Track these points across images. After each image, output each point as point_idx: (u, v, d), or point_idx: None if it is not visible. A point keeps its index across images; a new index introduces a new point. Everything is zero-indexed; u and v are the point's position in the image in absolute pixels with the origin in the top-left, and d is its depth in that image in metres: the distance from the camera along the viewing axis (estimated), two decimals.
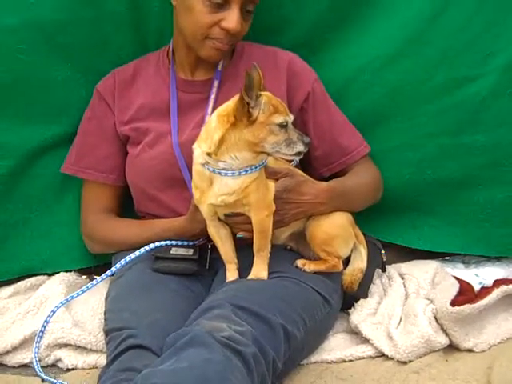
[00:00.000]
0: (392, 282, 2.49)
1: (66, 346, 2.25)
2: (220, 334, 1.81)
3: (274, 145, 2.03)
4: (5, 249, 2.61)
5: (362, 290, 2.37)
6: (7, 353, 2.25)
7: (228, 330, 1.83)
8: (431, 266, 2.54)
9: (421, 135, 2.57)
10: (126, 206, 2.60)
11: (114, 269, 2.33)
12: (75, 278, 2.58)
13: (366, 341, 2.24)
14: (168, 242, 2.33)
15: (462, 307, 2.21)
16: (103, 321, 2.23)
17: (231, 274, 2.22)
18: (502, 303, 2.32)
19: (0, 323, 2.34)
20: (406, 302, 2.36)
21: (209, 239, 2.29)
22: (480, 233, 2.65)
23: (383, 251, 2.48)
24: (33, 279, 2.58)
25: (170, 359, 1.77)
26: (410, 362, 2.15)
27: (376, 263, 2.46)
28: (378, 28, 2.52)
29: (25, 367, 2.24)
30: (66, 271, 2.60)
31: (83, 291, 2.34)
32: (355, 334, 2.30)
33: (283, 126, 2.03)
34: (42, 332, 2.25)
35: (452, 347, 2.22)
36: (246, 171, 2.07)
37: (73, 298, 2.34)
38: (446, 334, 2.22)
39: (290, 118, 2.06)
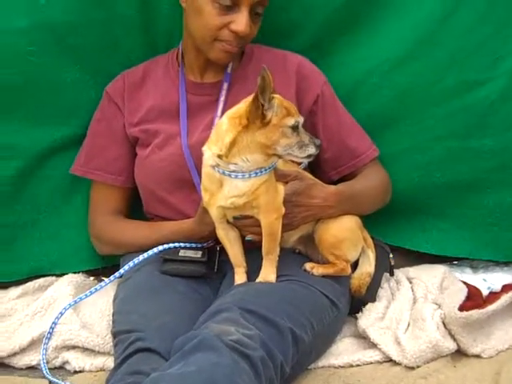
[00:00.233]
0: (400, 286, 2.48)
1: (73, 348, 2.25)
2: (228, 337, 1.81)
3: (286, 147, 2.03)
4: (13, 250, 2.62)
5: (369, 294, 2.36)
6: (15, 354, 2.24)
7: (236, 334, 1.83)
8: (439, 270, 2.53)
9: (429, 138, 2.56)
10: (134, 208, 2.60)
11: (122, 271, 2.33)
12: (83, 279, 2.57)
13: (373, 345, 2.23)
14: (176, 244, 2.33)
15: (470, 312, 2.20)
16: (111, 323, 2.23)
17: (239, 277, 2.22)
18: (511, 309, 2.32)
19: (8, 325, 2.34)
20: (414, 307, 2.35)
21: (217, 242, 2.29)
22: (488, 237, 2.64)
23: (391, 255, 2.48)
24: (41, 280, 2.58)
25: (178, 363, 1.77)
26: (418, 367, 2.14)
27: (384, 267, 2.46)
28: (387, 30, 2.51)
29: (32, 369, 2.24)
30: (74, 272, 2.61)
31: (91, 293, 2.34)
32: (363, 338, 2.29)
33: (295, 128, 2.03)
34: (50, 334, 2.24)
35: (460, 352, 2.21)
36: (257, 173, 2.07)
37: (81, 299, 2.34)
38: (454, 340, 2.21)
39: (301, 119, 2.07)
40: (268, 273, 2.15)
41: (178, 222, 2.39)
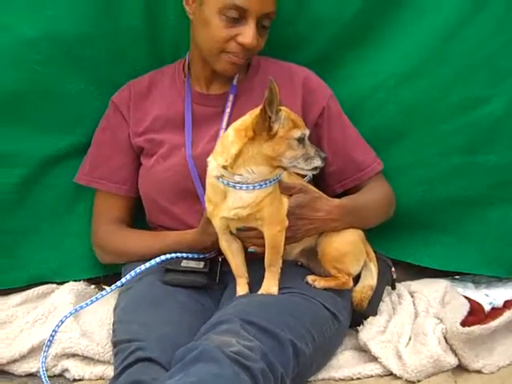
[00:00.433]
0: (402, 300, 2.47)
1: (73, 356, 2.24)
2: (229, 349, 1.80)
3: (291, 159, 2.04)
4: (15, 257, 2.62)
5: (371, 308, 2.35)
6: (14, 361, 2.24)
7: (237, 345, 1.82)
8: (441, 284, 2.52)
9: (434, 153, 2.57)
10: (137, 218, 2.60)
11: (124, 280, 2.33)
12: (84, 287, 2.57)
13: (374, 359, 2.22)
14: (179, 255, 2.32)
15: (472, 328, 2.19)
16: (111, 332, 2.22)
17: (241, 288, 2.22)
18: None
19: (8, 332, 2.34)
20: (416, 321, 2.34)
21: (220, 252, 2.29)
22: (492, 253, 2.64)
23: (393, 269, 2.47)
24: (42, 288, 2.58)
25: (179, 374, 1.77)
26: (419, 381, 2.13)
27: (386, 281, 2.45)
28: (394, 46, 2.52)
29: (31, 376, 2.23)
30: (75, 280, 2.60)
31: (92, 301, 2.33)
32: (364, 351, 2.28)
33: (301, 140, 2.04)
34: (50, 341, 2.24)
35: (461, 368, 2.20)
36: (261, 185, 2.07)
37: (82, 307, 2.33)
38: (456, 355, 2.19)
39: (307, 131, 2.07)
40: (270, 285, 2.14)
41: (181, 232, 2.39)
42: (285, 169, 2.08)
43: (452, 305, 2.39)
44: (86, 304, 2.33)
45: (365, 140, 2.51)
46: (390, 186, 2.54)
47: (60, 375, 2.25)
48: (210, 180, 2.13)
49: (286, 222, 2.14)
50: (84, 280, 2.63)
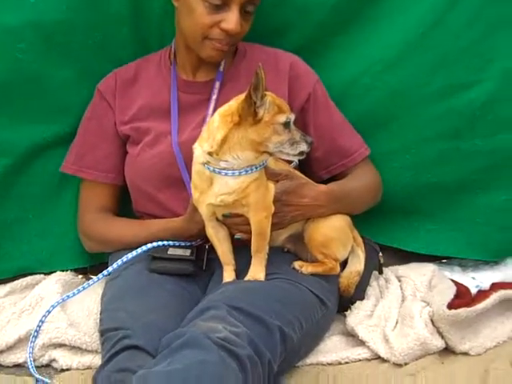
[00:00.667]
0: (389, 285, 2.47)
1: (60, 346, 2.24)
2: (216, 335, 1.80)
3: (277, 144, 2.04)
4: (2, 248, 2.61)
5: (358, 292, 2.36)
6: (1, 352, 2.23)
7: (224, 331, 1.82)
8: (428, 268, 2.53)
9: (420, 139, 2.57)
10: (123, 206, 2.59)
11: (110, 269, 2.32)
12: (71, 277, 2.57)
13: (362, 343, 2.23)
14: (165, 243, 2.32)
15: (458, 310, 2.20)
16: (98, 321, 2.21)
17: (228, 274, 2.22)
18: (499, 307, 2.31)
19: None
20: (403, 305, 2.34)
21: (206, 240, 2.29)
22: (478, 237, 2.65)
23: (380, 253, 2.48)
24: (28, 278, 2.57)
25: (165, 360, 1.77)
26: (406, 364, 2.14)
27: (373, 265, 2.46)
28: (379, 32, 2.52)
29: (19, 367, 2.23)
30: (62, 270, 2.59)
31: (79, 291, 2.32)
32: (351, 336, 2.28)
33: (287, 124, 2.03)
34: (37, 332, 2.23)
35: (448, 350, 2.21)
36: (247, 171, 2.07)
37: (69, 297, 2.33)
38: (442, 337, 2.21)
39: (293, 116, 2.07)
40: (257, 271, 2.14)
41: (167, 219, 2.38)
42: (270, 154, 2.08)
43: (439, 288, 2.39)
44: (73, 294, 2.33)
45: (351, 125, 2.51)
46: (377, 171, 2.55)
47: (48, 365, 2.24)
48: (195, 167, 2.13)
49: (272, 208, 2.14)
50: (71, 270, 2.63)
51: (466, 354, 2.20)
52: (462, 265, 2.70)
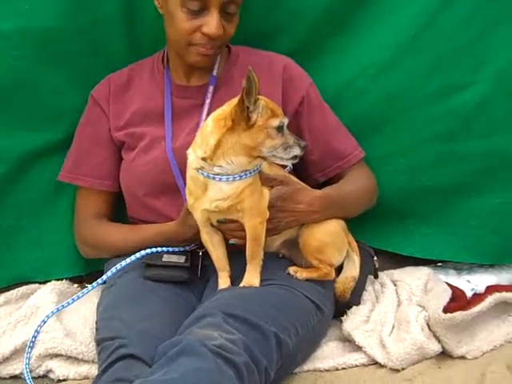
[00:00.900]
0: (384, 289, 2.48)
1: (57, 356, 2.23)
2: (211, 342, 1.80)
3: (271, 149, 2.03)
4: None
5: (354, 297, 2.36)
6: None
7: (219, 339, 1.82)
8: (423, 272, 2.53)
9: (414, 142, 2.57)
10: (118, 212, 2.59)
11: (104, 277, 2.32)
12: (66, 286, 2.56)
13: (358, 348, 2.23)
14: (159, 249, 2.31)
15: (454, 314, 2.20)
16: (94, 330, 2.21)
17: (223, 281, 2.22)
18: (494, 310, 2.31)
19: None
20: (399, 309, 2.35)
21: (201, 246, 2.28)
22: (472, 240, 2.65)
23: (375, 258, 2.48)
24: (23, 288, 2.56)
25: (162, 369, 1.77)
26: (403, 369, 2.14)
27: (368, 270, 2.45)
28: (373, 35, 2.52)
29: (16, 378, 2.22)
30: (58, 279, 2.59)
31: (74, 300, 2.32)
32: (348, 341, 2.28)
33: (280, 128, 2.03)
34: (33, 342, 2.22)
35: (445, 354, 2.21)
36: (241, 176, 2.07)
37: (64, 307, 2.32)
38: (439, 341, 2.21)
39: (286, 120, 2.07)
40: (252, 277, 2.14)
41: (160, 224, 2.38)
42: (264, 158, 2.08)
43: (434, 292, 2.39)
44: (68, 303, 2.32)
45: (345, 128, 2.51)
46: (373, 173, 2.54)
47: (44, 376, 2.23)
48: (189, 172, 2.13)
49: (267, 214, 2.14)
50: (66, 279, 2.62)
51: (462, 357, 2.20)
52: (457, 268, 2.70)
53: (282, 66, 2.45)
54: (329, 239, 2.26)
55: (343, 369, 2.18)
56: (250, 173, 2.09)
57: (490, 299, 2.29)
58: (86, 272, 2.69)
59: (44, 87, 2.51)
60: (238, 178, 2.07)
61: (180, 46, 2.30)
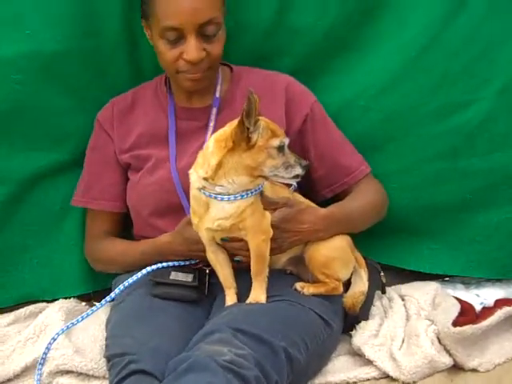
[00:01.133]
0: (392, 304, 2.47)
1: (67, 372, 2.22)
2: (221, 358, 1.80)
3: (272, 168, 2.04)
4: (3, 276, 2.61)
5: (363, 312, 2.35)
6: (9, 381, 2.22)
7: (229, 354, 1.82)
8: (431, 287, 2.52)
9: (417, 160, 2.58)
10: (127, 231, 2.61)
11: (113, 294, 2.31)
12: (74, 304, 2.56)
13: (369, 362, 2.22)
14: (165, 264, 2.30)
15: (464, 328, 2.20)
16: (104, 347, 2.21)
17: (230, 298, 2.21)
18: (504, 323, 2.31)
19: (1, 351, 2.33)
20: (408, 323, 2.34)
21: (207, 264, 2.28)
22: (479, 256, 2.65)
23: (382, 273, 2.47)
24: (32, 307, 2.55)
25: None
26: (415, 383, 2.13)
27: (376, 285, 2.44)
28: (374, 54, 2.55)
29: None
30: (66, 298, 2.59)
31: (83, 318, 2.31)
32: (358, 355, 2.27)
33: (281, 148, 2.04)
34: (44, 359, 2.22)
35: (456, 367, 2.20)
36: (242, 196, 2.08)
37: (73, 324, 2.31)
38: (450, 355, 2.20)
39: (287, 140, 2.07)
40: (258, 294, 2.14)
41: (155, 238, 2.39)
42: (266, 178, 2.09)
43: (443, 306, 2.39)
44: (77, 321, 2.31)
45: (351, 143, 2.52)
46: (381, 185, 2.54)
47: None
48: (192, 192, 2.14)
49: (270, 232, 2.14)
50: (74, 297, 2.62)
51: (475, 370, 2.20)
52: (465, 282, 2.69)
53: (285, 85, 2.46)
54: (335, 254, 2.26)
55: (354, 382, 2.17)
56: (252, 192, 2.10)
57: (500, 313, 2.28)
58: (93, 289, 2.69)
59: (47, 109, 2.53)
60: (239, 198, 2.08)
61: (170, 73, 2.36)
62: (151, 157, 2.43)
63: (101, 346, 2.27)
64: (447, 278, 2.70)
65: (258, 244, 2.13)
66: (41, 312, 2.50)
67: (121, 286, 2.28)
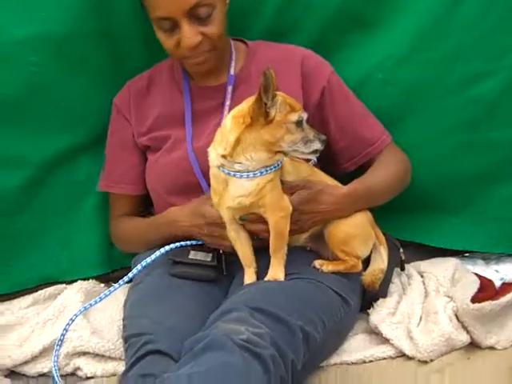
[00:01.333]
0: (411, 281, 2.45)
1: (84, 354, 2.24)
2: (238, 336, 1.80)
3: (290, 143, 2.03)
4: (23, 258, 2.62)
5: (381, 290, 2.33)
6: (27, 362, 2.24)
7: (246, 333, 1.82)
8: (451, 263, 2.50)
9: (437, 132, 2.54)
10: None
11: (130, 274, 2.31)
12: (93, 285, 2.57)
13: (386, 341, 2.21)
14: (183, 243, 2.30)
15: (482, 304, 2.17)
16: (121, 327, 2.22)
17: (249, 276, 2.21)
18: None
19: (20, 333, 2.34)
20: (426, 300, 2.32)
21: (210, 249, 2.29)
22: (499, 231, 2.61)
23: (401, 250, 2.45)
24: (51, 288, 2.58)
25: (188, 364, 1.77)
26: (432, 361, 2.12)
27: (395, 262, 2.42)
28: (391, 26, 2.50)
29: (44, 376, 2.23)
30: (84, 279, 2.61)
31: (101, 298, 2.31)
32: (375, 334, 2.26)
33: (299, 123, 2.03)
34: (61, 341, 2.24)
35: (473, 345, 2.19)
36: (262, 172, 2.07)
37: (91, 305, 2.32)
38: (467, 332, 2.18)
39: (305, 115, 2.06)
40: (276, 271, 2.13)
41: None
42: (285, 154, 2.07)
43: (462, 282, 2.36)
44: (95, 301, 2.32)
45: (371, 112, 2.49)
46: (404, 154, 2.51)
47: (72, 374, 2.24)
48: (212, 170, 2.13)
49: (290, 208, 2.13)
50: (93, 278, 2.64)
51: (492, 348, 2.17)
52: (485, 258, 2.66)
53: (301, 58, 2.43)
54: (354, 231, 2.25)
55: (371, 361, 2.16)
56: (271, 169, 2.08)
57: None
58: (111, 269, 2.72)
59: (62, 91, 2.53)
60: (258, 175, 2.07)
61: (176, 60, 2.38)
62: (169, 137, 2.43)
63: (118, 326, 2.28)
64: (467, 254, 2.68)
65: (277, 221, 2.12)
66: (59, 294, 2.52)
67: (138, 266, 2.28)
